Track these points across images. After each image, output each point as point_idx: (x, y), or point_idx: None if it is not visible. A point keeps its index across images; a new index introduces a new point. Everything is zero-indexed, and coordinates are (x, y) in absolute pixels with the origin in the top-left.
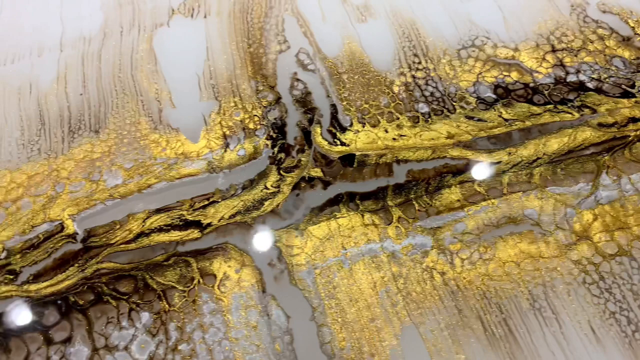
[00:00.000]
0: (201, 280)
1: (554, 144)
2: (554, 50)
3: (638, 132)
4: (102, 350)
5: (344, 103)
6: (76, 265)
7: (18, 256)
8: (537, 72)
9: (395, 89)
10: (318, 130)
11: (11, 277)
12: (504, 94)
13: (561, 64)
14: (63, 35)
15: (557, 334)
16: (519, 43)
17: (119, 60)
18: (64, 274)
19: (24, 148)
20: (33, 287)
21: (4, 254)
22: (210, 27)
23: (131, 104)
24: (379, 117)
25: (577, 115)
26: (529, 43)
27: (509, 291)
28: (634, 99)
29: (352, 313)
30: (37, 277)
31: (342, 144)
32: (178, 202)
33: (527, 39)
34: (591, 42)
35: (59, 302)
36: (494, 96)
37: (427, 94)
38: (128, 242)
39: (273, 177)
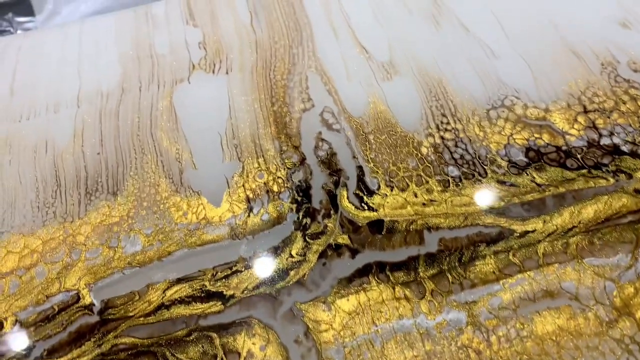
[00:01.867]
0: (224, 358)
1: (590, 211)
2: (585, 111)
3: None
4: None
5: (371, 165)
6: (93, 339)
7: (32, 329)
8: (569, 134)
9: (424, 150)
10: (344, 193)
11: (24, 352)
12: (535, 157)
13: (594, 126)
14: (80, 90)
15: None
16: (549, 103)
17: (137, 117)
18: (79, 349)
19: (39, 211)
20: None
21: (16, 327)
22: (232, 84)
23: (151, 164)
24: (407, 181)
25: (612, 180)
26: (559, 103)
27: None
28: None
29: None
30: (51, 353)
31: (370, 208)
32: (199, 271)
33: (557, 99)
34: (624, 103)
35: None
36: (525, 159)
37: (456, 156)
38: (147, 315)
39: (298, 244)
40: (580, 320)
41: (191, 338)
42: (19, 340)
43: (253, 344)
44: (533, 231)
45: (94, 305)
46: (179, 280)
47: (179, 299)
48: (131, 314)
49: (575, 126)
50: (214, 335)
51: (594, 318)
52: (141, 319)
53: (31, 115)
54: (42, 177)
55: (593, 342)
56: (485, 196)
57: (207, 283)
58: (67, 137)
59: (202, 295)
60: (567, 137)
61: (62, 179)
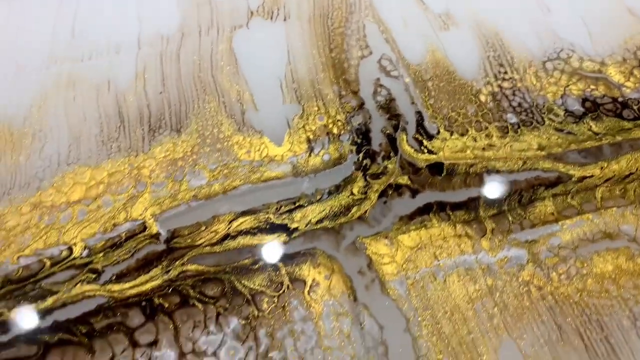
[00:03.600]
0: (290, 285)
1: None
2: None
3: None
4: (189, 355)
5: (430, 110)
6: (160, 266)
7: (100, 255)
8: (625, 86)
9: (483, 98)
10: (404, 137)
11: (93, 276)
12: (592, 107)
13: None
14: (140, 33)
15: None
16: (605, 57)
17: (198, 60)
18: (147, 274)
19: (104, 145)
20: (116, 287)
21: (85, 252)
22: (290, 31)
23: (213, 104)
24: (467, 126)
25: None
26: (615, 57)
27: (609, 308)
28: None
29: (447, 326)
30: (119, 277)
31: (430, 152)
32: (264, 205)
33: (613, 53)
34: None
35: (144, 303)
36: (582, 109)
37: (514, 104)
38: (214, 245)
39: (359, 183)
40: (638, 261)
41: (257, 267)
42: (87, 265)
43: (318, 273)
44: (591, 176)
45: (160, 234)
46: (244, 213)
47: (244, 230)
48: (198, 243)
49: (631, 79)
50: (280, 264)
51: None
52: (207, 248)
53: (93, 56)
54: (106, 114)
55: None
56: (542, 142)
57: (271, 216)
58: (129, 77)
59: (267, 227)
60: (623, 89)
61: (126, 116)
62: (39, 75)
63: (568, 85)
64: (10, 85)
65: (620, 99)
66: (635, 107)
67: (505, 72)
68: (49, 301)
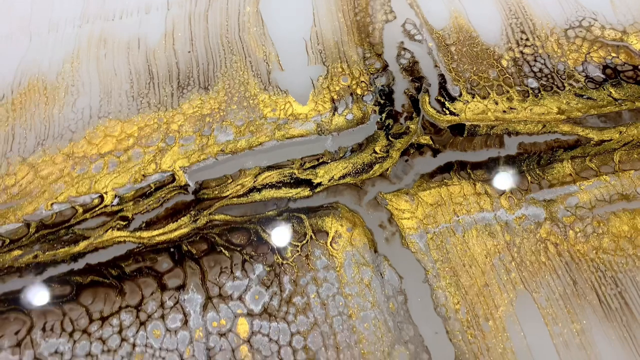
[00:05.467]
0: (313, 236)
1: None
2: None
3: None
4: (215, 298)
5: (453, 74)
6: (188, 215)
7: (130, 203)
8: None
9: (504, 63)
10: (426, 98)
11: (124, 223)
12: (612, 74)
13: None
14: None
15: None
16: (627, 26)
17: (226, 21)
18: (175, 223)
19: (134, 100)
20: (146, 234)
21: (116, 201)
22: None
23: (240, 64)
24: (488, 89)
25: None
26: (637, 26)
27: (623, 265)
28: None
29: (465, 278)
30: (149, 225)
31: (452, 113)
32: (288, 160)
33: (635, 22)
34: None
35: (172, 250)
36: (602, 76)
37: (535, 69)
38: (240, 196)
39: (382, 142)
40: None
41: (282, 218)
42: (118, 213)
43: (340, 225)
44: (609, 140)
45: (189, 185)
46: (269, 168)
47: (269, 183)
48: (225, 195)
49: None
50: (304, 216)
51: None
52: (234, 199)
53: (124, 15)
54: (136, 71)
55: None
56: (562, 107)
57: (296, 171)
58: (159, 36)
59: (291, 181)
60: None
61: (155, 73)
62: (72, 33)
63: (589, 53)
64: (44, 43)
65: None
66: None
67: (527, 39)
68: (81, 245)
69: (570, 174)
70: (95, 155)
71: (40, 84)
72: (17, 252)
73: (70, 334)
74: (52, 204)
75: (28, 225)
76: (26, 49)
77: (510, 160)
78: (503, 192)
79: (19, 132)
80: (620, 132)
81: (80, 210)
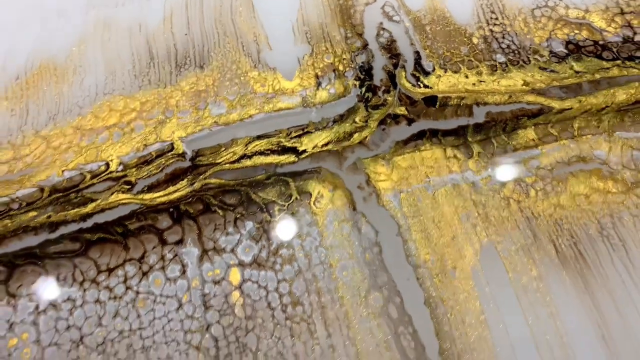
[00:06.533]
0: (298, 197)
1: (622, 94)
2: (622, 13)
3: None
4: (210, 251)
5: (427, 51)
6: (186, 179)
7: (134, 169)
8: (606, 31)
9: (475, 40)
10: (403, 73)
11: (128, 187)
12: (574, 49)
13: (629, 25)
14: None
15: (624, 259)
16: (589, 5)
17: (219, 5)
18: (174, 186)
19: (136, 78)
20: (148, 196)
21: (120, 167)
22: None
23: (232, 44)
24: (459, 64)
25: None
26: (598, 5)
27: (579, 220)
28: None
29: (435, 231)
30: (150, 188)
31: (425, 86)
32: (276, 130)
33: (597, 2)
34: None
35: (172, 210)
36: (565, 51)
37: (504, 46)
38: (232, 162)
39: (361, 113)
40: (609, 182)
41: (270, 181)
42: (122, 178)
43: (322, 187)
44: (570, 109)
45: (186, 153)
46: (259, 137)
47: (259, 151)
48: (218, 161)
49: (612, 25)
50: (290, 179)
51: (621, 180)
52: (227, 165)
53: (126, 2)
54: (137, 52)
55: (619, 198)
56: (527, 79)
57: (282, 140)
58: (158, 20)
59: (279, 149)
60: (605, 33)
61: (155, 54)
62: (79, 19)
63: (554, 30)
64: (53, 28)
65: (601, 42)
66: (614, 50)
67: (497, 18)
68: (90, 207)
69: (533, 140)
70: (101, 128)
71: (51, 65)
72: (32, 213)
73: (81, 283)
74: (63, 171)
75: (42, 189)
76: (38, 33)
77: (478, 128)
78: (471, 156)
79: (32, 107)
80: (580, 101)
81: (89, 176)
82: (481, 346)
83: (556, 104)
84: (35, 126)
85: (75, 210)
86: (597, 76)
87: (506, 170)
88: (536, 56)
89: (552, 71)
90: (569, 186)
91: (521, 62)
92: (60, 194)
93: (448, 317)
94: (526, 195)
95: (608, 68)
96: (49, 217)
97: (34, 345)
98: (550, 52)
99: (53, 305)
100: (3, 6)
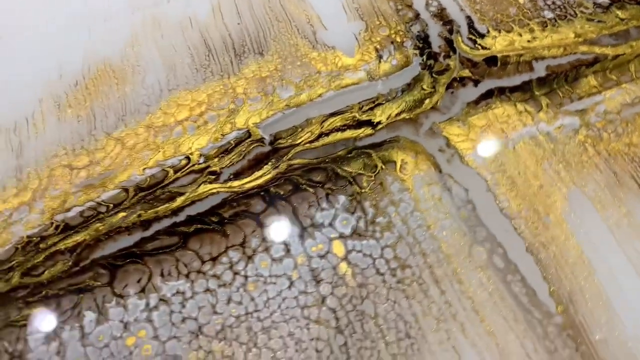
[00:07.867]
0: (383, 166)
1: None
2: None
3: None
4: (309, 228)
5: (478, 15)
6: (269, 163)
7: (215, 160)
8: None
9: (521, 0)
10: (459, 38)
11: (213, 177)
12: None
13: None
14: None
15: None
16: None
17: None
18: (260, 171)
19: (197, 72)
20: (236, 183)
21: (201, 159)
22: None
23: (286, 28)
24: (511, 24)
25: None
26: None
27: None
28: None
29: (522, 183)
30: (237, 176)
31: (484, 48)
32: (347, 106)
33: None
34: None
35: (262, 193)
36: (608, 1)
37: (549, 3)
38: (311, 142)
39: (427, 80)
40: None
41: (352, 155)
42: (206, 169)
43: (405, 154)
44: (623, 54)
45: (264, 138)
46: (332, 114)
47: (335, 127)
48: (298, 142)
49: None
50: (371, 151)
51: None
52: (307, 145)
53: None
54: (193, 46)
55: None
56: (577, 31)
57: (356, 114)
58: (207, 12)
59: (354, 123)
60: None
61: (212, 45)
62: (125, 22)
63: None
64: (102, 33)
65: None
66: None
67: None
68: (179, 201)
69: (595, 86)
70: (174, 123)
71: (108, 68)
72: (122, 214)
73: (187, 275)
74: (144, 169)
75: (126, 190)
76: (87, 39)
77: (542, 81)
78: (540, 109)
79: (99, 111)
80: (632, 46)
81: (171, 171)
82: (588, 283)
83: (610, 51)
84: (105, 129)
85: (164, 206)
86: None
87: (576, 118)
88: (581, 8)
89: (599, 21)
90: (638, 125)
91: (569, 16)
92: (146, 191)
93: (551, 260)
94: (599, 138)
95: None
96: (139, 215)
97: (153, 341)
98: (594, 3)
99: (163, 300)
100: (48, 19)
